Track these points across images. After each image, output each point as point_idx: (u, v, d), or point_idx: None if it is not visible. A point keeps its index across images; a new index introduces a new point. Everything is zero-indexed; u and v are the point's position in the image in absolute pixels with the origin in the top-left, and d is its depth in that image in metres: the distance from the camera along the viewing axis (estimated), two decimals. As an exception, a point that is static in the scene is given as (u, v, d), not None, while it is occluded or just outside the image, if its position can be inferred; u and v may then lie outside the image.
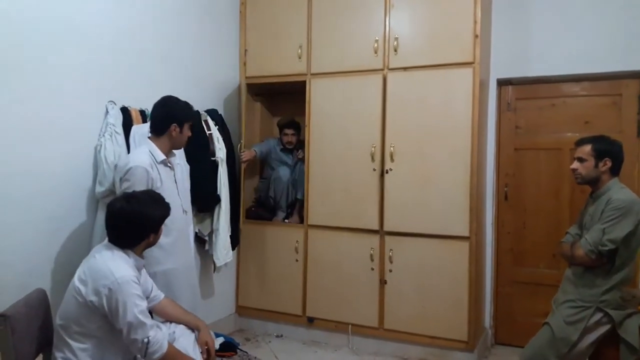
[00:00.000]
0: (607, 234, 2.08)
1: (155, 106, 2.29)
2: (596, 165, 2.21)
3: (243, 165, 3.41)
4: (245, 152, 3.40)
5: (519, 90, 3.36)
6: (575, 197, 3.16)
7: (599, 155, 2.20)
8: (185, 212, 2.40)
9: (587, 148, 2.24)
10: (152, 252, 2.08)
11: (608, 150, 2.20)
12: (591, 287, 2.15)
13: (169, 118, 2.24)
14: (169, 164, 2.28)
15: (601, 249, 2.09)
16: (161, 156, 2.22)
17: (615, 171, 2.21)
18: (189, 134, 2.34)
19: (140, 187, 2.07)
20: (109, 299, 1.67)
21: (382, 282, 3.12)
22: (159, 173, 2.19)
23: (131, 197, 1.83)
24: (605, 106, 3.15)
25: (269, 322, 3.48)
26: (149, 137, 2.27)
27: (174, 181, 2.32)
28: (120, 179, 2.13)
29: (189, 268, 2.44)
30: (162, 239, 2.09)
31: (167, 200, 2.00)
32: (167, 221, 2.04)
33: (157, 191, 2.09)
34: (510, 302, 3.35)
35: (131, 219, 1.78)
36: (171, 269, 2.24)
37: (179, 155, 2.48)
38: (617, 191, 2.15)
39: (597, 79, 3.14)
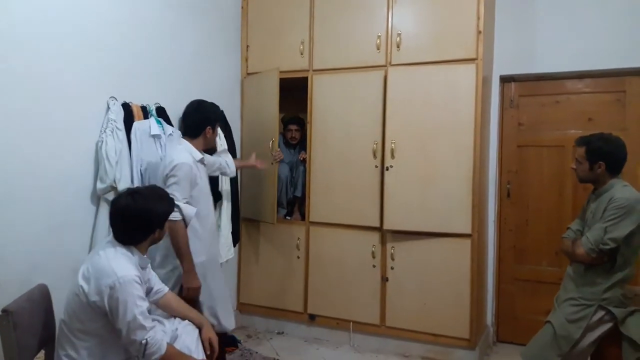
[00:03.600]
0: (609, 233, 2.07)
1: (189, 111, 2.47)
2: (591, 168, 2.19)
3: (276, 165, 3.18)
4: (279, 151, 3.22)
5: (522, 87, 3.34)
6: (578, 194, 3.15)
7: (592, 159, 2.18)
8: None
9: (582, 150, 2.21)
10: (194, 244, 2.29)
11: (602, 152, 2.16)
12: (593, 285, 2.15)
13: (204, 121, 2.43)
14: (203, 163, 2.47)
15: (602, 248, 2.07)
16: (199, 155, 2.41)
17: (613, 171, 2.18)
18: (218, 133, 2.55)
19: (185, 182, 2.26)
20: (110, 297, 1.66)
21: (384, 279, 3.12)
22: (199, 170, 2.38)
23: (136, 193, 1.81)
24: (609, 103, 3.13)
25: (271, 319, 3.48)
26: (183, 138, 2.45)
27: (207, 178, 2.51)
28: (166, 175, 2.26)
29: (217, 260, 2.64)
30: (201, 232, 2.35)
31: (204, 195, 2.30)
32: (203, 215, 2.37)
33: (197, 187, 2.33)
34: (512, 300, 3.35)
35: (137, 215, 1.76)
36: (206, 261, 2.42)
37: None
38: (620, 189, 2.13)
39: (600, 75, 3.13)
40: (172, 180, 2.24)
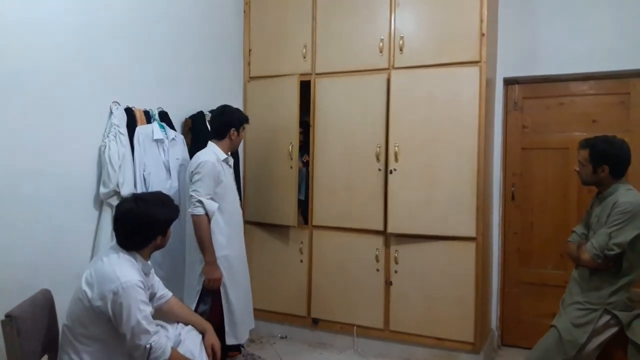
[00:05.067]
0: (614, 239, 2.05)
1: (215, 115, 2.69)
2: (594, 171, 2.17)
3: (297, 168, 3.24)
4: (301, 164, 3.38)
5: (525, 89, 3.33)
6: (582, 196, 3.13)
7: (595, 162, 2.15)
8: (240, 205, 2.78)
9: (585, 153, 2.19)
10: (218, 238, 2.47)
11: (606, 156, 2.13)
12: (598, 289, 2.13)
13: (228, 124, 2.62)
14: (228, 163, 2.63)
15: (607, 253, 2.05)
16: (223, 155, 2.59)
17: (617, 175, 2.15)
18: (243, 136, 2.74)
19: (208, 178, 2.43)
20: (113, 302, 1.66)
21: (388, 283, 3.10)
22: (223, 168, 2.54)
23: (139, 199, 1.83)
24: (613, 105, 3.11)
25: (274, 323, 3.47)
26: (211, 141, 2.62)
27: (233, 177, 2.68)
28: (192, 172, 2.46)
29: (244, 257, 2.76)
30: (225, 228, 2.48)
31: (229, 192, 2.53)
32: (228, 212, 2.53)
33: (221, 185, 2.49)
34: (517, 303, 3.32)
35: (139, 221, 1.78)
36: (232, 255, 2.58)
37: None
38: (624, 194, 2.11)
39: (604, 77, 3.11)
40: (196, 177, 2.43)
